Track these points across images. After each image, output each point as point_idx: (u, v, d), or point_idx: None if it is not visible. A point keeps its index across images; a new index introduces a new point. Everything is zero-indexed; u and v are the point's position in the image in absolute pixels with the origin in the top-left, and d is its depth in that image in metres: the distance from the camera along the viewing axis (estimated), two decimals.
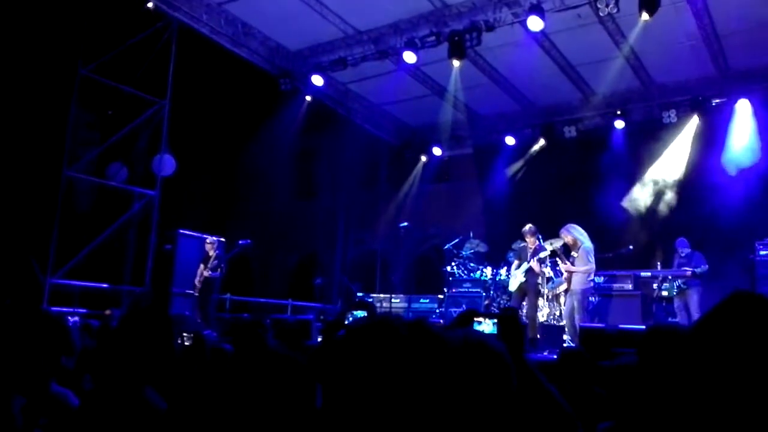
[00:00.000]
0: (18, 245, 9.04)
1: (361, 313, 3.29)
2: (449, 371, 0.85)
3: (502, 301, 10.06)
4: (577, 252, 8.04)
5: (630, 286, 9.01)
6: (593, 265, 8.02)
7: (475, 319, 1.54)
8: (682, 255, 9.24)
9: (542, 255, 8.60)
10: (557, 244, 8.91)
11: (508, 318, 1.50)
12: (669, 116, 11.53)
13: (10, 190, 9.24)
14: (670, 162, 11.73)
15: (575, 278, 7.99)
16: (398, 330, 0.82)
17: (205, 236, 10.03)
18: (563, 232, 8.26)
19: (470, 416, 0.85)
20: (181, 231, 10.35)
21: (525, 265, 8.69)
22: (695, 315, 8.77)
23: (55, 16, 9.22)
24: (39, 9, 9.09)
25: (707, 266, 8.82)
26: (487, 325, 1.53)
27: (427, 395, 0.82)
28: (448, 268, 11.21)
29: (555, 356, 5.50)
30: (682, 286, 8.95)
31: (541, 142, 13.13)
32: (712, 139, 11.29)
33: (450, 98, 12.43)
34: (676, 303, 9.04)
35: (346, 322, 3.37)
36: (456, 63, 10.20)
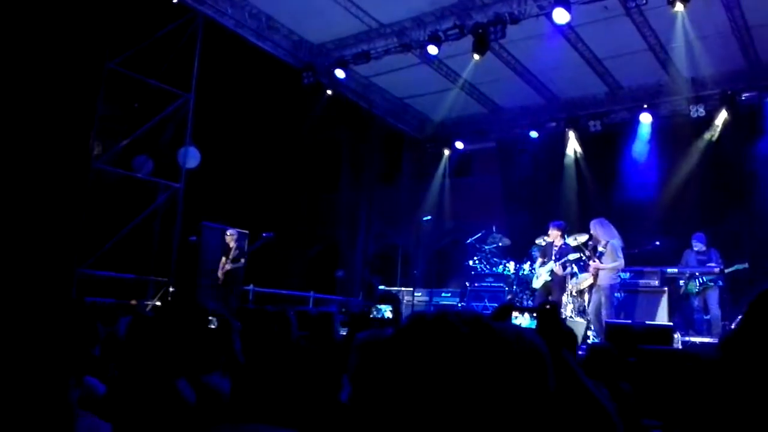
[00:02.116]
0: (46, 236, 9.21)
1: (385, 307, 3.28)
2: (504, 368, 0.84)
3: (525, 297, 10.00)
4: (605, 248, 7.95)
5: (656, 283, 8.91)
6: (622, 261, 7.92)
7: (514, 313, 1.53)
8: (697, 250, 9.06)
9: (571, 257, 8.51)
10: (581, 239, 8.83)
11: (547, 312, 1.48)
12: (697, 110, 11.32)
13: (39, 182, 9.40)
14: (697, 157, 11.54)
15: (602, 274, 7.90)
16: (458, 328, 0.82)
17: (228, 228, 10.14)
18: (592, 227, 8.15)
19: (511, 414, 0.85)
20: (206, 223, 10.47)
21: (550, 264, 8.62)
22: (716, 312, 8.64)
23: (82, 10, 9.34)
24: (67, 3, 9.21)
25: (747, 264, 8.65)
26: (524, 320, 1.52)
27: (482, 394, 0.82)
28: (471, 263, 11.17)
29: (580, 352, 5.46)
30: (708, 283, 8.82)
31: (571, 135, 12.97)
32: (741, 133, 11.08)
33: (462, 85, 12.32)
34: (697, 299, 8.91)
35: (371, 316, 3.37)
36: (476, 56, 10.10)
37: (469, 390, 0.75)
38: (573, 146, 13.10)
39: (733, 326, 7.96)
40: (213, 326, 4.10)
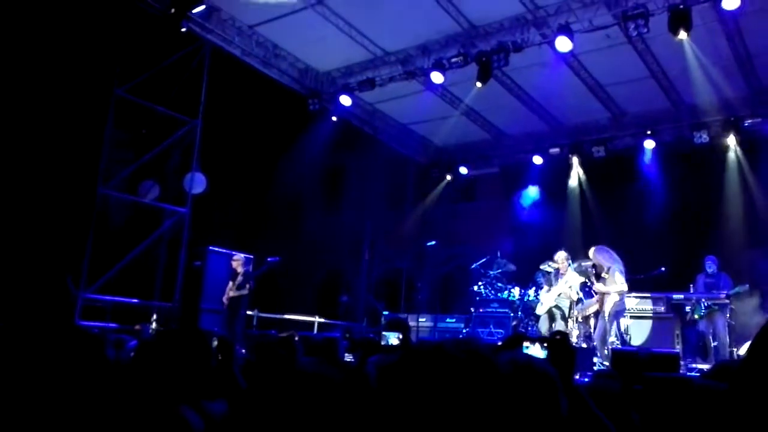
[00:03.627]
0: (53, 260, 9.25)
1: (393, 335, 3.29)
2: (502, 397, 0.86)
3: (530, 322, 9.95)
4: (607, 274, 7.95)
5: (663, 309, 8.85)
6: (625, 287, 7.91)
7: (524, 342, 1.54)
8: (710, 273, 9.06)
9: (575, 283, 8.52)
10: (586, 264, 8.83)
11: (558, 342, 1.49)
12: (700, 137, 11.37)
13: (47, 206, 9.47)
14: (702, 182, 11.56)
15: (607, 300, 7.88)
16: (456, 357, 0.84)
17: (234, 253, 10.15)
18: (593, 253, 8.18)
19: None
20: (211, 248, 10.49)
21: (555, 290, 8.62)
22: (724, 338, 8.58)
23: (91, 39, 9.51)
24: (76, 32, 9.39)
25: (747, 285, 8.62)
26: (536, 350, 1.52)
27: (482, 421, 0.83)
28: (475, 288, 11.13)
29: (586, 379, 5.42)
30: (713, 306, 8.77)
31: (575, 161, 13.05)
32: (746, 158, 11.13)
33: (466, 112, 12.46)
34: (703, 325, 8.85)
35: (383, 343, 3.37)
36: (479, 84, 10.17)
37: (467, 416, 0.76)
38: (577, 172, 13.16)
39: (737, 354, 7.90)
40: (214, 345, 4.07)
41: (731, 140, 11.33)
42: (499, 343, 3.02)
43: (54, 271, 9.23)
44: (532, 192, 13.53)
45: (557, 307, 8.69)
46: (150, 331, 8.92)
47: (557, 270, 8.85)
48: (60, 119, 9.55)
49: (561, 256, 8.81)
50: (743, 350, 8.02)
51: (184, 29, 9.92)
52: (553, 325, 8.72)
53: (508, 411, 0.85)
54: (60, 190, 9.61)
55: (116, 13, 9.27)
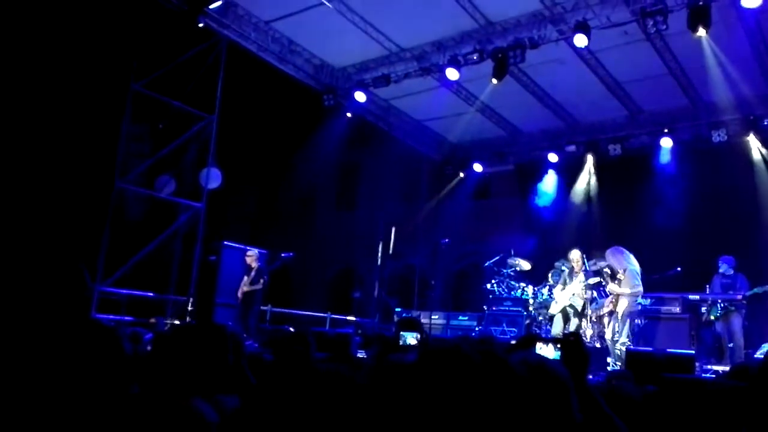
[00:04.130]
0: (70, 253, 9.37)
1: (410, 334, 3.29)
2: (516, 397, 0.86)
3: (543, 321, 9.90)
4: (622, 275, 7.91)
5: (678, 309, 8.77)
6: (641, 288, 7.87)
7: (538, 343, 1.53)
8: (726, 274, 8.96)
9: (591, 281, 8.48)
10: (602, 264, 8.78)
11: (571, 343, 1.48)
12: (719, 135, 11.23)
13: (64, 199, 9.59)
14: (720, 181, 11.41)
15: (622, 300, 7.84)
16: (472, 358, 0.84)
17: (248, 248, 10.21)
18: (608, 255, 8.15)
19: None
20: (226, 243, 10.55)
21: (569, 288, 8.58)
22: (739, 340, 8.48)
23: (109, 34, 9.60)
24: (94, 28, 9.48)
25: (767, 287, 8.52)
26: (549, 350, 1.52)
27: (497, 420, 0.84)
28: (488, 286, 11.09)
29: (600, 379, 5.39)
30: (729, 307, 8.68)
31: (589, 159, 12.96)
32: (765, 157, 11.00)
33: (481, 108, 12.42)
34: (720, 326, 8.76)
35: (401, 343, 3.37)
36: (495, 81, 10.10)
37: (475, 412, 0.77)
38: (593, 170, 13.06)
39: (753, 356, 7.80)
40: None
41: (752, 139, 11.17)
42: (513, 343, 3.02)
43: (70, 264, 9.34)
44: (547, 190, 13.47)
45: (571, 306, 8.65)
46: (165, 324, 9.01)
47: (572, 268, 8.81)
48: (78, 113, 9.66)
49: (576, 254, 8.77)
50: (761, 352, 7.93)
51: (200, 25, 9.99)
52: (567, 324, 8.68)
53: (521, 411, 0.85)
54: (77, 184, 9.72)
55: (134, 9, 9.35)
